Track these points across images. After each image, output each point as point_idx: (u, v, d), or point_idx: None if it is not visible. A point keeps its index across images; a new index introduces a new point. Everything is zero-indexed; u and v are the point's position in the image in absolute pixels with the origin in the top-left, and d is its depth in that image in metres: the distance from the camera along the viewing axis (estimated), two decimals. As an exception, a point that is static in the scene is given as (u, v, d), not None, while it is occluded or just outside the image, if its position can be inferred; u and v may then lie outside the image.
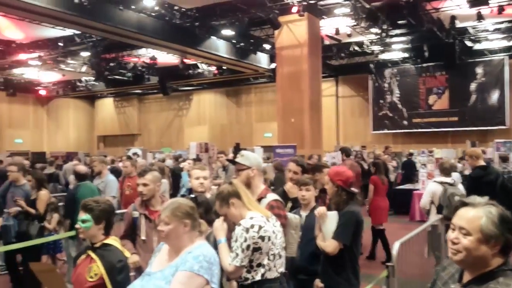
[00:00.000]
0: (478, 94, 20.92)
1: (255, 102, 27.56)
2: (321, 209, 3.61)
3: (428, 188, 6.68)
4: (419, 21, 14.21)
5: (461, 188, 6.50)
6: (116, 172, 9.27)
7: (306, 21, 14.49)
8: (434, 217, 6.22)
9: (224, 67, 21.34)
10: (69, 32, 16.77)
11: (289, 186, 4.51)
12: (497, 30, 17.62)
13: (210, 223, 3.08)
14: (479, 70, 20.86)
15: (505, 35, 18.13)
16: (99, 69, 20.02)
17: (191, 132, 28.14)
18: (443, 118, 21.58)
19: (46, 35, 17.47)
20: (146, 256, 3.54)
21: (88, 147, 30.62)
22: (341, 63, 21.84)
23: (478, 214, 1.75)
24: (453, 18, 15.23)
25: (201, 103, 28.84)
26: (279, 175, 7.92)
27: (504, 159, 13.27)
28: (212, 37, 17.20)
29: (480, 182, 6.03)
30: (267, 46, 19.26)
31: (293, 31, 14.94)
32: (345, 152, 9.39)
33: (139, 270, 3.57)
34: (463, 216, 1.78)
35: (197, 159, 12.75)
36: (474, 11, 14.12)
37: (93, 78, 24.72)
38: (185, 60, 20.73)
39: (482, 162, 6.38)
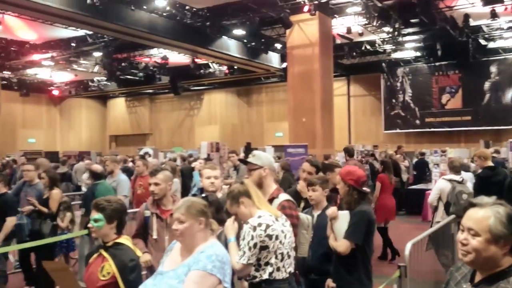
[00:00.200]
0: (492, 93, 20.69)
1: (266, 102, 27.55)
2: (332, 209, 3.59)
3: (437, 185, 6.76)
4: (432, 19, 14.09)
5: (469, 186, 6.54)
6: (128, 171, 9.32)
7: (318, 20, 14.44)
8: (440, 214, 6.31)
9: (235, 67, 21.37)
10: (81, 32, 16.93)
11: (301, 186, 4.50)
12: (511, 28, 17.40)
13: (221, 222, 3.09)
14: (493, 69, 20.62)
15: (520, 33, 17.92)
16: (111, 69, 20.18)
17: (202, 131, 28.21)
18: (456, 118, 21.37)
19: (59, 35, 17.64)
20: (157, 255, 3.55)
21: (100, 146, 30.86)
22: (352, 62, 21.74)
23: (486, 214, 1.73)
24: (466, 16, 15.08)
25: (212, 102, 28.89)
26: (286, 175, 7.88)
27: (518, 158, 13.07)
28: (223, 36, 17.23)
29: (488, 182, 6.11)
30: (278, 46, 19.25)
31: (304, 30, 14.90)
32: (348, 152, 9.30)
33: (151, 269, 3.58)
34: (471, 217, 1.77)
35: (208, 159, 12.77)
36: (488, 9, 13.96)
37: (105, 78, 24.93)
38: (196, 60, 20.79)
39: (490, 163, 6.46)
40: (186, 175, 10.54)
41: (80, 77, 26.03)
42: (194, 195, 6.61)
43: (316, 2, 13.68)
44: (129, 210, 4.66)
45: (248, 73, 22.84)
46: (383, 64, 22.17)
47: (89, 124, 31.77)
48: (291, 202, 3.32)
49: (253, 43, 18.38)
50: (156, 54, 20.40)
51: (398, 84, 22.87)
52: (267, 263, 2.84)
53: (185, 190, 9.31)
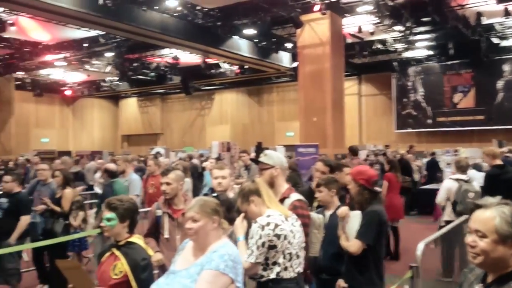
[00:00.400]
0: (505, 92, 20.46)
1: (277, 101, 27.52)
2: (343, 209, 3.58)
3: (444, 185, 6.81)
4: (443, 18, 13.98)
5: (475, 185, 6.57)
6: (142, 171, 9.39)
7: (329, 20, 14.39)
8: (448, 213, 6.45)
9: (246, 66, 21.38)
10: (93, 33, 17.06)
11: (314, 186, 4.49)
12: (525, 27, 17.22)
13: (231, 221, 3.09)
14: (506, 68, 20.40)
15: (533, 32, 17.71)
16: (123, 69, 20.33)
17: (213, 131, 28.28)
18: (468, 117, 21.17)
19: (72, 36, 17.80)
20: (169, 254, 3.57)
21: (112, 146, 31.09)
22: (364, 61, 21.61)
23: (491, 215, 1.73)
24: (479, 14, 14.94)
25: (223, 102, 28.95)
26: (292, 175, 7.85)
27: (532, 158, 12.91)
28: (234, 36, 17.26)
29: (497, 180, 6.15)
30: (289, 45, 19.22)
31: (315, 29, 14.86)
32: (353, 151, 9.24)
33: (163, 268, 3.60)
34: (477, 219, 1.77)
35: (219, 158, 12.79)
36: (501, 7, 13.83)
37: (117, 78, 25.10)
38: (207, 60, 20.85)
39: (499, 161, 6.54)
40: (193, 174, 10.55)
41: (92, 77, 26.27)
42: (205, 194, 6.64)
43: (327, 1, 13.64)
44: (140, 210, 4.69)
45: (259, 73, 22.85)
46: (395, 63, 22.03)
47: (101, 124, 32.04)
48: (302, 202, 3.32)
49: (264, 43, 18.38)
50: (168, 54, 20.50)
51: (410, 83, 22.72)
52: (274, 263, 2.84)
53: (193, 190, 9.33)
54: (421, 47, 19.75)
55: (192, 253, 2.51)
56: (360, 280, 3.44)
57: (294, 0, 14.00)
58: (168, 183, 3.89)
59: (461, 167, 6.63)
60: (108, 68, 21.70)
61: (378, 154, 15.50)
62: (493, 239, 1.70)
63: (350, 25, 16.03)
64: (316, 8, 13.81)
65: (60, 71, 23.46)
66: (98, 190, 9.55)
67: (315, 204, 4.19)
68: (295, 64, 19.29)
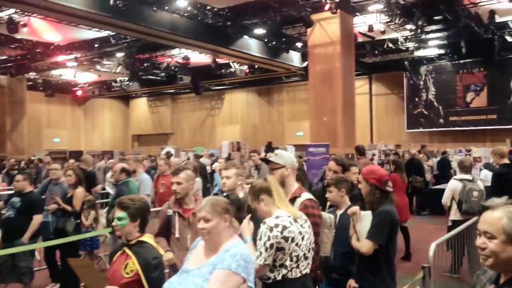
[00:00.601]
0: (518, 91, 20.24)
1: (287, 101, 27.48)
2: (354, 209, 3.56)
3: (449, 185, 6.85)
4: (456, 16, 13.86)
5: (480, 184, 6.61)
6: (156, 169, 9.44)
7: (339, 19, 14.31)
8: (454, 213, 6.57)
9: (256, 66, 21.37)
10: (104, 33, 17.18)
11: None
12: (539, 25, 17.01)
13: (241, 221, 3.08)
14: (520, 66, 20.17)
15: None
16: (134, 69, 20.44)
17: (223, 131, 28.34)
18: (481, 116, 20.97)
19: (83, 36, 17.93)
20: (180, 253, 3.58)
21: (123, 146, 31.27)
22: (374, 60, 21.51)
23: (498, 215, 1.72)
24: (492, 12, 14.78)
25: (233, 102, 28.98)
26: (298, 174, 7.83)
27: (546, 158, 12.75)
28: (244, 36, 17.26)
29: (505, 179, 6.24)
30: (299, 45, 19.17)
31: (325, 29, 14.79)
32: (359, 151, 9.19)
33: (174, 267, 3.61)
34: (485, 220, 1.76)
35: (229, 158, 12.80)
36: (514, 5, 13.68)
37: (128, 78, 25.27)
38: (217, 60, 20.88)
39: (506, 160, 6.63)
40: (201, 174, 10.57)
41: (103, 78, 26.45)
42: (215, 194, 6.65)
43: (337, 0, 13.58)
44: (151, 209, 4.71)
45: (269, 72, 22.83)
46: (406, 62, 21.89)
47: (112, 123, 32.26)
48: (313, 201, 3.30)
49: (274, 42, 18.35)
50: (178, 54, 20.56)
51: (421, 82, 22.55)
52: (281, 265, 2.83)
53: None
54: (433, 46, 19.58)
55: (204, 252, 2.52)
56: (371, 280, 3.42)
57: (304, -1, 13.98)
58: (178, 183, 3.90)
59: (465, 168, 6.70)
60: (119, 68, 21.83)
61: (389, 154, 15.42)
62: (502, 240, 1.69)
63: (361, 24, 15.96)
64: (327, 7, 13.75)
65: (71, 72, 23.64)
66: (109, 189, 9.61)
67: (328, 203, 4.18)
68: (305, 64, 19.23)
